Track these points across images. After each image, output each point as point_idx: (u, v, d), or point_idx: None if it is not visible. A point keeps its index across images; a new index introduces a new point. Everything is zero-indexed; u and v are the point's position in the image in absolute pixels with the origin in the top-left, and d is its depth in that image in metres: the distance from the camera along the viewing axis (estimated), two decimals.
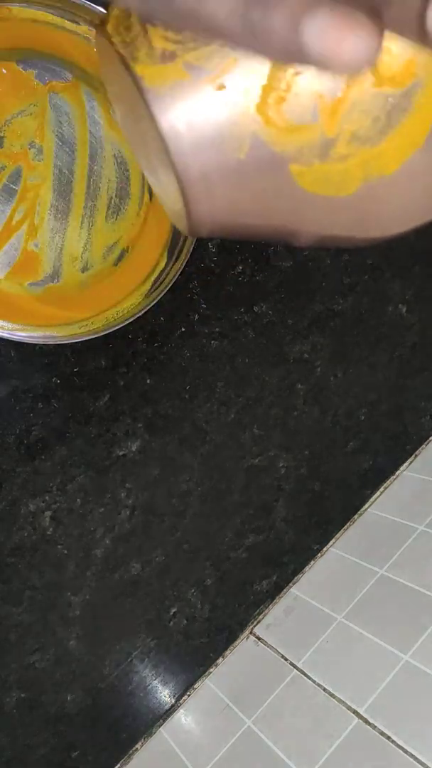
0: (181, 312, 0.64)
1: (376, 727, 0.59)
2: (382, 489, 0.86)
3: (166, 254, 0.55)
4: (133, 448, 0.64)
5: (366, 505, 0.85)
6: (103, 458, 0.63)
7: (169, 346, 0.64)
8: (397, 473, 0.87)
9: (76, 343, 0.58)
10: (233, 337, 0.68)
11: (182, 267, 0.54)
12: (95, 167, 0.52)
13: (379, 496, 0.85)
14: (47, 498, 0.60)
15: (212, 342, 0.67)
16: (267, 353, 0.71)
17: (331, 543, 0.83)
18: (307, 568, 0.81)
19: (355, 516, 0.84)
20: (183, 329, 0.64)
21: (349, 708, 0.62)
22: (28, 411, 0.58)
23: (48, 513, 0.61)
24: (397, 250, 0.77)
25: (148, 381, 0.64)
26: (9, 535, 0.59)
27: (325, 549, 0.82)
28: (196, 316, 0.65)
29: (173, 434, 0.67)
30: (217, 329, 0.66)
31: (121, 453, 0.64)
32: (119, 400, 0.62)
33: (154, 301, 0.54)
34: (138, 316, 0.54)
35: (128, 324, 0.61)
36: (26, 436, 0.58)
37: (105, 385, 0.61)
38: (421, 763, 0.54)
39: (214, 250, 0.64)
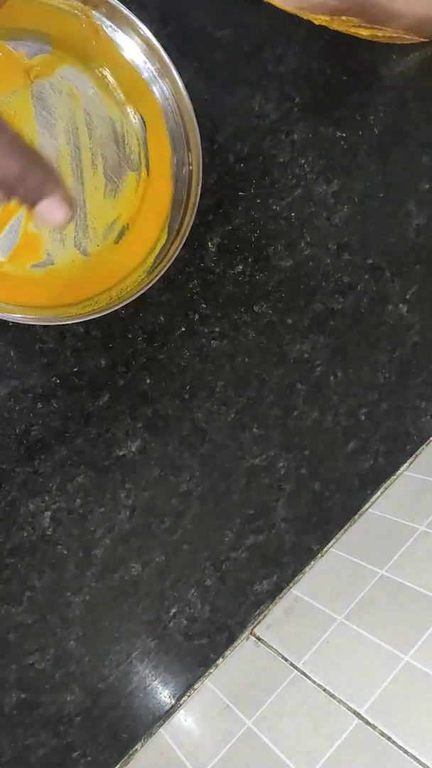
0: (181, 312, 0.64)
1: (376, 727, 0.59)
2: (382, 489, 0.86)
3: (166, 230, 0.55)
4: (133, 448, 0.64)
5: (366, 506, 0.85)
6: (102, 458, 0.63)
7: (169, 346, 0.64)
8: (397, 473, 0.87)
9: (75, 343, 0.58)
10: (233, 337, 0.68)
11: (182, 243, 0.54)
12: (91, 145, 0.52)
13: (379, 496, 0.85)
14: (47, 498, 0.60)
15: (212, 342, 0.67)
16: (267, 353, 0.71)
17: (331, 543, 0.82)
18: (307, 568, 0.81)
19: (356, 516, 0.84)
20: (183, 329, 0.64)
21: (349, 708, 0.62)
22: (28, 411, 0.58)
23: (47, 513, 0.61)
24: (397, 250, 0.77)
25: (148, 381, 0.64)
26: (8, 535, 0.59)
27: (325, 549, 0.82)
28: (196, 316, 0.65)
29: (173, 434, 0.67)
30: (217, 329, 0.66)
31: (120, 453, 0.64)
32: (119, 400, 0.62)
33: (157, 278, 0.53)
34: (141, 292, 0.53)
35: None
36: (26, 436, 0.58)
37: (105, 385, 0.61)
38: (422, 764, 0.54)
39: (214, 250, 0.64)
